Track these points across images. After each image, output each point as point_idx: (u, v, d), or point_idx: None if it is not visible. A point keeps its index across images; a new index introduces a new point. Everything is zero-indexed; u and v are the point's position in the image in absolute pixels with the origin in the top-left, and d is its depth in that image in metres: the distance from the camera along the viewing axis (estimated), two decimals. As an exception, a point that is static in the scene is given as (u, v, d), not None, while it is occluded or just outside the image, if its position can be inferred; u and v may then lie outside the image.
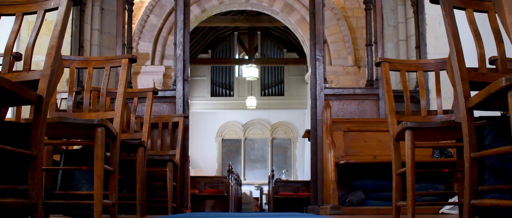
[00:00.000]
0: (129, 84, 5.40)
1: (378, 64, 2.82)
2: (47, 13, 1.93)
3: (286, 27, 9.87)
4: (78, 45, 5.75)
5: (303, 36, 8.65)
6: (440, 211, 3.86)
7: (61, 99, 5.01)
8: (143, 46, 7.75)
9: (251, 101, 15.30)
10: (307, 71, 9.67)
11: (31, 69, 1.85)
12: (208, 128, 16.20)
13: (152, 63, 7.79)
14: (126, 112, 4.01)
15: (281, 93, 16.29)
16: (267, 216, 3.44)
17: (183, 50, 5.29)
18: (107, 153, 2.54)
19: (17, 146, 1.60)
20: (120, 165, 2.66)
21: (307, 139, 6.30)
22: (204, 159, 15.93)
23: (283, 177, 14.27)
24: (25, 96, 1.60)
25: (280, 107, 16.11)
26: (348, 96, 5.28)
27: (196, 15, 8.46)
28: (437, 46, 5.45)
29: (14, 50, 2.07)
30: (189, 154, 5.35)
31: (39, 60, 5.11)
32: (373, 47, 5.57)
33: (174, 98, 5.20)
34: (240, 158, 16.24)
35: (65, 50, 5.38)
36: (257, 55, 15.46)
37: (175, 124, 4.88)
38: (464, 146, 1.87)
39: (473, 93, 1.86)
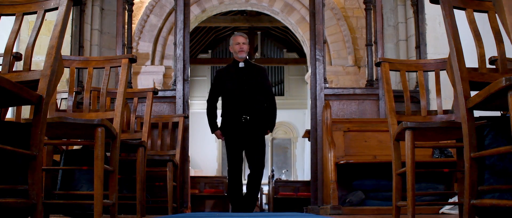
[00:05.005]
0: (129, 84, 5.40)
1: (378, 64, 2.82)
2: (47, 13, 1.93)
3: (286, 27, 9.87)
4: (78, 45, 5.75)
5: (303, 36, 8.65)
6: (440, 211, 3.86)
7: (61, 99, 5.01)
8: (143, 46, 7.75)
9: (251, 101, 15.27)
10: (307, 71, 9.66)
11: (31, 69, 1.85)
12: (208, 128, 16.16)
13: (152, 63, 7.79)
14: (126, 112, 4.01)
15: (281, 93, 16.29)
16: (267, 216, 3.44)
17: (183, 50, 5.29)
18: (107, 153, 2.54)
19: (17, 146, 1.60)
20: (120, 165, 2.66)
21: (307, 139, 6.31)
22: (204, 159, 15.92)
23: (283, 177, 14.26)
24: (25, 96, 1.60)
25: (280, 107, 15.93)
26: (348, 96, 5.28)
27: (196, 15, 8.46)
28: (437, 46, 5.45)
29: (14, 50, 2.07)
30: (189, 154, 5.36)
31: (39, 60, 5.11)
32: (373, 47, 5.57)
33: (174, 98, 5.20)
34: (240, 158, 16.23)
35: (65, 50, 5.38)
36: (257, 55, 15.46)
37: (175, 124, 4.88)
38: (464, 146, 1.87)
39: (473, 93, 1.86)
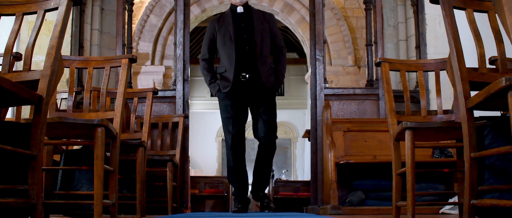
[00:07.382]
0: (129, 84, 5.40)
1: (378, 64, 2.82)
2: (47, 13, 1.93)
3: (286, 27, 9.87)
4: (78, 45, 5.75)
5: (303, 36, 8.65)
6: (440, 211, 3.86)
7: (61, 99, 5.01)
8: (143, 46, 7.75)
9: (251, 101, 15.28)
10: (307, 71, 9.67)
11: (31, 69, 1.85)
12: (208, 128, 16.19)
13: (152, 63, 7.79)
14: (126, 112, 4.01)
15: (281, 93, 16.28)
16: (267, 216, 3.44)
17: (183, 50, 5.29)
18: (107, 153, 2.54)
19: (17, 146, 1.60)
20: (120, 165, 2.66)
21: (307, 139, 6.31)
22: (204, 159, 15.92)
23: (283, 177, 14.26)
24: (25, 96, 1.60)
25: (280, 107, 15.96)
26: (348, 96, 5.28)
27: (196, 15, 8.46)
28: (437, 46, 5.45)
29: (14, 50, 2.07)
30: (189, 154, 5.35)
31: (39, 60, 5.11)
32: (373, 47, 5.57)
33: (174, 98, 5.20)
34: (240, 158, 16.23)
35: (65, 50, 5.38)
36: (257, 55, 15.45)
37: (175, 124, 4.88)
38: (464, 146, 1.87)
39: (473, 93, 1.86)
